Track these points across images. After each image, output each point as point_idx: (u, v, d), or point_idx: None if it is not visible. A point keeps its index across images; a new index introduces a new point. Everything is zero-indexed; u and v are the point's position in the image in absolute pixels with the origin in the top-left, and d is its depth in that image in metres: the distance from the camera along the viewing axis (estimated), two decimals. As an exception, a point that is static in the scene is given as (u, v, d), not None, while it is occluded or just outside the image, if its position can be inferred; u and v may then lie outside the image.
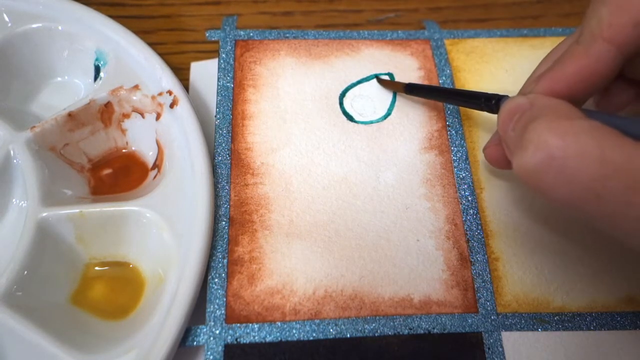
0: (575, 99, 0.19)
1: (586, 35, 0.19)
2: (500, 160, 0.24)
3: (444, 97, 0.27)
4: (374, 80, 0.30)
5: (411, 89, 0.28)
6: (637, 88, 0.23)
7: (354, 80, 0.30)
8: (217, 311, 0.23)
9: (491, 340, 0.23)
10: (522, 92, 0.22)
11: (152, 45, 0.27)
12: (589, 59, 0.19)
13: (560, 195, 0.16)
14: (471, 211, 0.26)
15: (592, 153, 0.15)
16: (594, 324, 0.24)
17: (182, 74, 0.30)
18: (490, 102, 0.22)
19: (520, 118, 0.18)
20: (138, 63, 0.27)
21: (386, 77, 0.30)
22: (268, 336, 0.22)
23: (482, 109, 0.23)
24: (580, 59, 0.19)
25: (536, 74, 0.22)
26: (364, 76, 0.30)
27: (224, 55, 0.30)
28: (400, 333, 0.23)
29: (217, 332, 0.22)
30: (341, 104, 0.29)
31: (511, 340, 0.23)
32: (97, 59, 0.28)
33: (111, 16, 0.28)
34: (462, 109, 0.29)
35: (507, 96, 0.21)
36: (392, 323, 0.23)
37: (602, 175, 0.15)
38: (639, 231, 0.15)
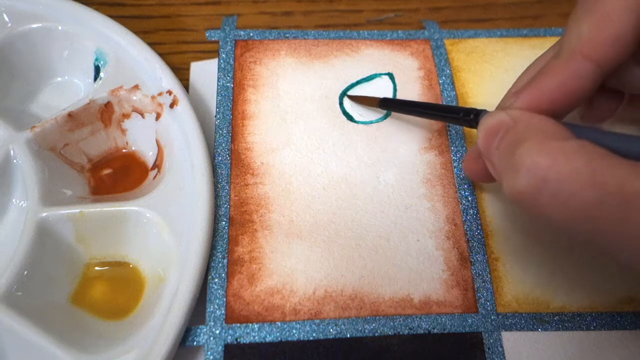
0: (555, 114, 0.19)
1: (565, 50, 0.19)
2: (480, 174, 0.23)
3: (420, 111, 0.26)
4: (373, 81, 0.30)
5: (386, 104, 0.28)
6: (620, 97, 0.23)
7: (354, 80, 0.30)
8: (217, 311, 0.23)
9: (491, 340, 0.23)
10: (501, 106, 0.21)
11: (152, 45, 0.27)
12: (568, 75, 0.19)
13: (554, 217, 0.16)
14: (471, 211, 0.26)
15: (584, 176, 0.15)
16: (594, 324, 0.24)
17: (182, 74, 0.30)
18: (469, 116, 0.22)
19: (504, 136, 0.18)
20: (138, 63, 0.27)
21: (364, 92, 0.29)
22: (268, 336, 0.22)
23: (460, 124, 0.22)
24: (560, 74, 0.19)
25: (515, 88, 0.22)
26: (364, 76, 0.30)
27: (224, 55, 0.30)
28: (400, 333, 0.23)
29: (217, 332, 0.22)
30: (341, 104, 0.29)
31: (511, 340, 0.23)
32: (97, 59, 0.28)
33: (111, 16, 0.28)
34: (462, 109, 0.29)
35: (485, 110, 0.21)
36: (392, 323, 0.23)
37: (596, 198, 0.15)
38: (634, 249, 0.15)
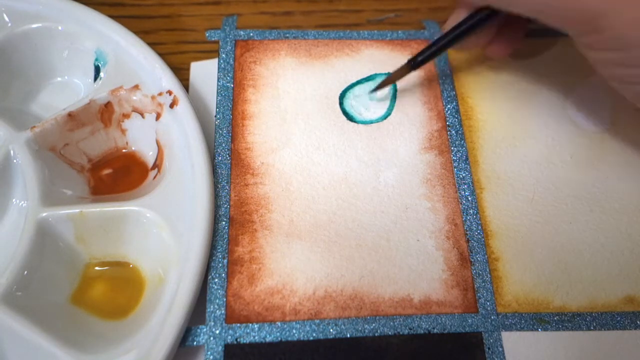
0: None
1: None
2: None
3: (447, 45, 0.27)
4: (373, 81, 0.30)
5: (416, 63, 0.27)
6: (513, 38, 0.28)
7: (354, 80, 0.30)
8: (217, 311, 0.23)
9: (491, 340, 0.23)
10: None
11: (152, 45, 0.27)
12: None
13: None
14: (471, 211, 0.26)
15: None
16: (594, 324, 0.24)
17: (182, 74, 0.30)
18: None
19: None
20: (138, 63, 0.27)
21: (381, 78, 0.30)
22: (268, 336, 0.22)
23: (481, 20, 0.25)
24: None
25: None
26: (364, 76, 0.30)
27: (224, 55, 0.30)
28: (400, 333, 0.23)
29: (217, 332, 0.22)
30: (341, 104, 0.29)
31: (511, 340, 0.23)
32: (97, 59, 0.28)
33: (111, 16, 0.28)
34: (462, 109, 0.29)
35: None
36: (392, 323, 0.23)
37: None
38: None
